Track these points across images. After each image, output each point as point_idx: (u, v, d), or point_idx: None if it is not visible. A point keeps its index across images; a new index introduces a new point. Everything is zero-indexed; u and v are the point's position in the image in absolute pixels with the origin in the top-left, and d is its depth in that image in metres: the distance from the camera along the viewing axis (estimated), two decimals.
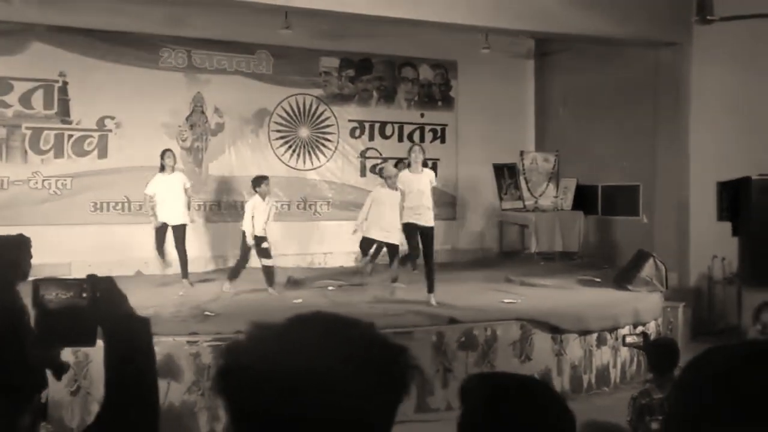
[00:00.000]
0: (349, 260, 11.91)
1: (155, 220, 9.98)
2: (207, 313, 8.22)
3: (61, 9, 10.67)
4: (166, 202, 9.96)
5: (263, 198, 9.77)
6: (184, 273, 10.15)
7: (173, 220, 10.01)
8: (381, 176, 10.32)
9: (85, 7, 10.67)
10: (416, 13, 10.06)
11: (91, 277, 1.83)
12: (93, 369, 6.61)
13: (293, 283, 10.55)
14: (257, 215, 9.63)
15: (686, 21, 10.30)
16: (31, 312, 4.09)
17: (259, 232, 9.65)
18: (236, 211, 11.56)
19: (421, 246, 9.09)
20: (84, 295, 1.78)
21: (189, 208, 10.24)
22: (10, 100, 10.93)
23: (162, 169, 10.09)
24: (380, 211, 9.45)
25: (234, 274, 9.81)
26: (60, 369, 4.51)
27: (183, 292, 9.52)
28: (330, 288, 10.30)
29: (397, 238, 9.39)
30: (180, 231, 10.06)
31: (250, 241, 9.59)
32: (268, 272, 9.77)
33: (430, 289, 9.08)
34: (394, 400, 1.18)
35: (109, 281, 1.84)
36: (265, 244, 9.71)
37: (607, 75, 12.78)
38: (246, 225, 9.66)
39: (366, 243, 9.73)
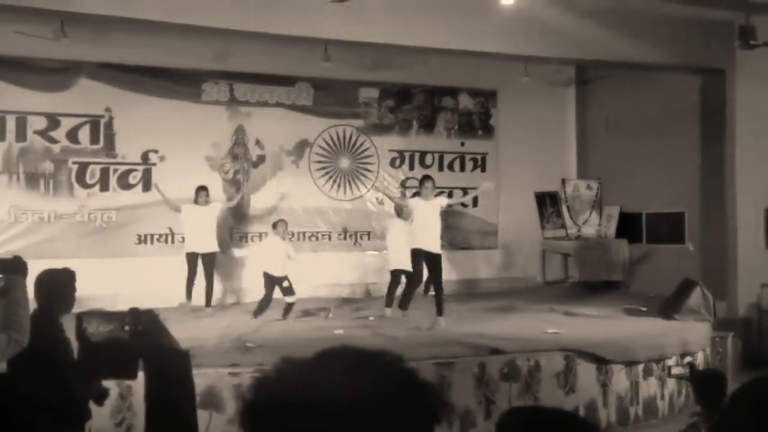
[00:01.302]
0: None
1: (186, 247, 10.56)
2: (249, 344, 8.23)
3: (106, 46, 10.93)
4: (197, 232, 10.40)
5: (282, 238, 10.05)
6: (208, 302, 10.46)
7: (204, 248, 10.41)
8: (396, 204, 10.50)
9: (129, 44, 10.91)
10: (456, 43, 10.10)
11: (133, 311, 1.85)
12: (136, 401, 6.64)
13: (334, 314, 10.53)
14: (270, 255, 9.95)
15: (728, 46, 10.19)
16: (74, 345, 4.13)
17: (276, 273, 9.90)
18: None
19: (427, 272, 9.53)
20: (126, 328, 1.80)
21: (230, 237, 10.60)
22: (58, 135, 11.20)
23: (195, 202, 10.50)
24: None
25: (259, 311, 9.98)
26: (101, 396, 4.54)
27: (226, 323, 9.56)
28: (371, 318, 10.26)
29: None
30: (210, 260, 10.45)
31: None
32: (288, 307, 10.07)
33: (440, 312, 9.31)
34: None
35: (150, 314, 1.86)
36: (285, 283, 9.96)
37: (649, 101, 12.66)
38: (264, 264, 9.99)
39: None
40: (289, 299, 10.04)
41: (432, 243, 9.21)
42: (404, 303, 9.66)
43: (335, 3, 6.88)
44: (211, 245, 10.51)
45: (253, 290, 10.74)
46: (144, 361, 1.82)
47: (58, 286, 4.24)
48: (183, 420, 1.82)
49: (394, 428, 1.09)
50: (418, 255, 9.33)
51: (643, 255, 12.99)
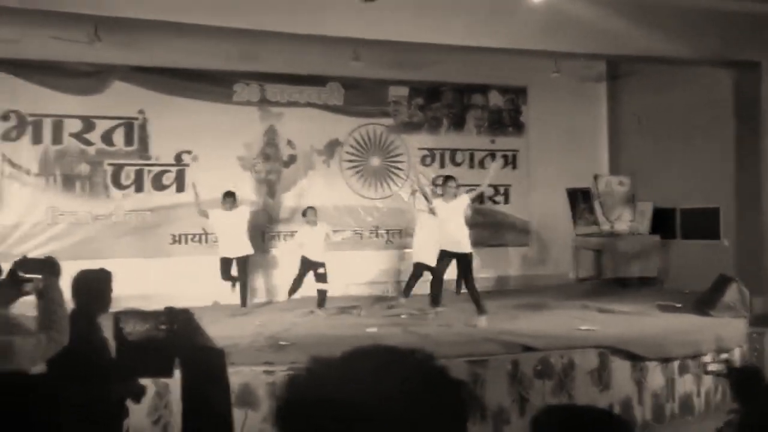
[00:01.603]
0: (423, 288, 11.90)
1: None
2: (282, 342, 8.29)
3: (139, 49, 11.08)
4: (228, 236, 10.46)
5: (312, 226, 10.39)
6: (244, 302, 10.59)
7: (237, 252, 10.52)
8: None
9: (161, 47, 11.05)
10: (485, 40, 10.06)
11: (169, 310, 1.89)
12: (173, 399, 6.72)
13: (364, 313, 10.58)
14: (308, 242, 10.35)
15: (763, 38, 10.04)
16: (111, 344, 4.19)
17: (315, 257, 10.28)
18: None
19: (459, 271, 9.64)
20: (162, 327, 1.84)
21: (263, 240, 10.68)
22: (93, 138, 11.37)
23: (223, 207, 10.56)
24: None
25: (291, 291, 10.49)
26: (139, 394, 4.60)
27: (260, 322, 9.63)
28: (403, 316, 10.27)
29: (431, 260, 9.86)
30: (243, 261, 10.57)
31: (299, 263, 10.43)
32: (321, 295, 10.38)
33: (480, 311, 9.29)
34: None
35: (186, 313, 1.90)
36: (321, 270, 10.30)
37: (682, 95, 12.51)
38: (297, 251, 10.48)
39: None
40: (322, 287, 10.33)
41: (456, 244, 9.18)
42: (433, 300, 9.65)
43: (364, 2, 6.90)
44: (243, 248, 10.58)
45: (286, 288, 10.84)
46: (180, 360, 1.85)
47: (96, 286, 4.31)
48: (219, 417, 1.86)
49: (426, 426, 1.11)
50: (443, 256, 9.36)
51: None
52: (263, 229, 12.11)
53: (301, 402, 1.14)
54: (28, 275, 3.69)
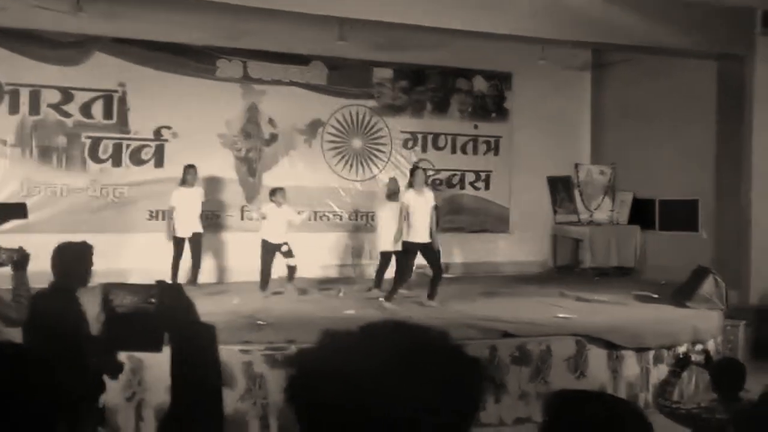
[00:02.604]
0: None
1: (172, 232, 10.37)
2: (259, 322, 8.23)
3: (121, 21, 10.87)
4: (184, 215, 10.33)
5: (278, 206, 10.18)
6: (194, 280, 10.37)
7: (191, 230, 10.35)
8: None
9: (144, 19, 10.85)
10: (472, 24, 10.00)
11: (160, 284, 1.82)
12: (147, 375, 6.66)
13: (344, 294, 10.55)
14: (270, 223, 10.10)
15: (748, 32, 10.08)
16: (90, 318, 4.12)
17: (275, 240, 10.06)
18: None
19: (426, 261, 9.56)
20: (152, 300, 1.78)
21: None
22: (71, 109, 11.18)
23: (183, 182, 10.39)
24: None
25: (264, 283, 10.15)
26: (117, 369, 4.54)
27: (237, 301, 9.57)
28: (380, 299, 10.24)
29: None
30: (197, 240, 10.43)
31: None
32: (291, 271, 10.28)
33: (431, 296, 9.50)
34: (467, 412, 1.14)
35: (176, 288, 1.84)
36: (284, 248, 10.12)
37: (666, 86, 12.55)
38: (263, 232, 10.20)
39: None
40: (290, 262, 10.22)
41: (425, 234, 9.31)
42: (390, 295, 9.57)
43: None
44: (195, 227, 10.43)
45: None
46: (170, 335, 1.79)
47: (76, 259, 4.24)
48: (209, 394, 1.81)
49: (442, 403, 1.07)
50: (410, 248, 9.40)
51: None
52: (241, 208, 11.99)
53: (316, 376, 1.09)
54: None
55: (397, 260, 9.91)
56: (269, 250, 10.11)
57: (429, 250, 9.46)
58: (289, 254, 10.18)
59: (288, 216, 10.24)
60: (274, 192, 10.33)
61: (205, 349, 1.80)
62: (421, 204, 9.33)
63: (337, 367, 1.08)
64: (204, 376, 1.77)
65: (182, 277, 10.25)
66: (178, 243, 10.39)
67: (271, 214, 10.15)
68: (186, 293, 1.83)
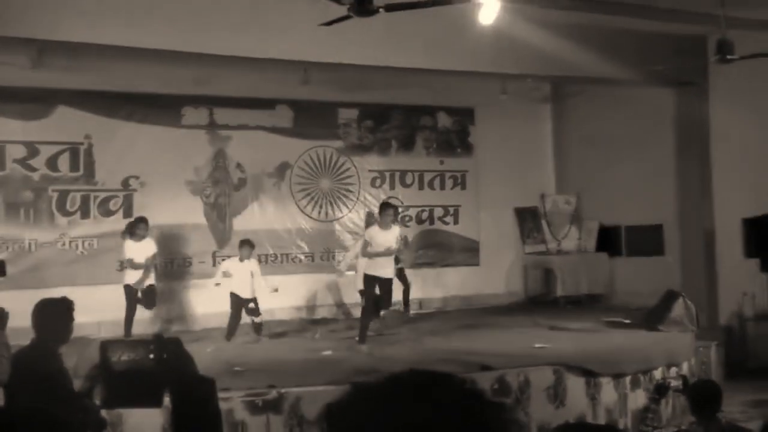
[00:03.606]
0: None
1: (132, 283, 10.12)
2: (237, 368, 8.18)
3: (84, 74, 10.85)
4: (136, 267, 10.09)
5: (241, 260, 10.06)
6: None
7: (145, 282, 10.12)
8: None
9: (107, 71, 10.84)
10: (433, 62, 10.19)
11: (158, 337, 1.85)
12: (126, 428, 6.58)
13: (320, 336, 10.53)
14: (235, 277, 9.95)
15: (701, 61, 10.37)
16: (72, 375, 4.11)
17: (244, 294, 9.95)
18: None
19: (380, 294, 9.48)
20: (151, 356, 1.81)
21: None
22: (37, 163, 11.12)
23: (131, 235, 10.15)
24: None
25: (229, 333, 10.01)
26: (100, 426, 4.50)
27: (211, 349, 9.49)
28: (356, 338, 10.23)
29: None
30: (148, 291, 10.17)
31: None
32: (257, 328, 10.15)
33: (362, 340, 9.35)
34: None
35: (175, 342, 1.87)
36: (251, 305, 10.00)
37: (626, 115, 12.81)
38: (232, 285, 10.01)
39: None
40: (257, 319, 10.12)
41: (382, 269, 9.33)
42: (361, 334, 9.44)
43: (321, 26, 6.93)
44: (147, 280, 10.19)
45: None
46: (170, 389, 1.82)
47: (57, 315, 4.22)
48: None
49: None
50: (369, 282, 9.38)
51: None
52: (213, 253, 11.95)
53: (348, 429, 1.13)
54: None
55: (361, 296, 9.85)
56: (237, 303, 10.01)
57: (387, 286, 9.43)
58: (254, 312, 10.06)
59: (252, 269, 10.10)
60: (242, 244, 10.22)
61: (205, 402, 1.83)
62: (387, 240, 9.32)
63: (366, 418, 1.12)
64: (205, 430, 1.80)
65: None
66: (129, 293, 10.11)
67: (235, 270, 10.01)
68: (184, 347, 1.86)
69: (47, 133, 11.10)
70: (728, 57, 7.67)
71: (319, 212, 12.84)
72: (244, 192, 12.34)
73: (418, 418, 1.10)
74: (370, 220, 10.99)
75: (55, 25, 8.55)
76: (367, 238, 9.43)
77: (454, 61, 10.23)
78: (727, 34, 7.90)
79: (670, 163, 12.09)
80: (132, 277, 10.11)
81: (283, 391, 7.08)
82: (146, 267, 10.09)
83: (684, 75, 11.24)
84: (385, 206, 9.76)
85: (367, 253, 9.33)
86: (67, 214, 11.25)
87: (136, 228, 10.17)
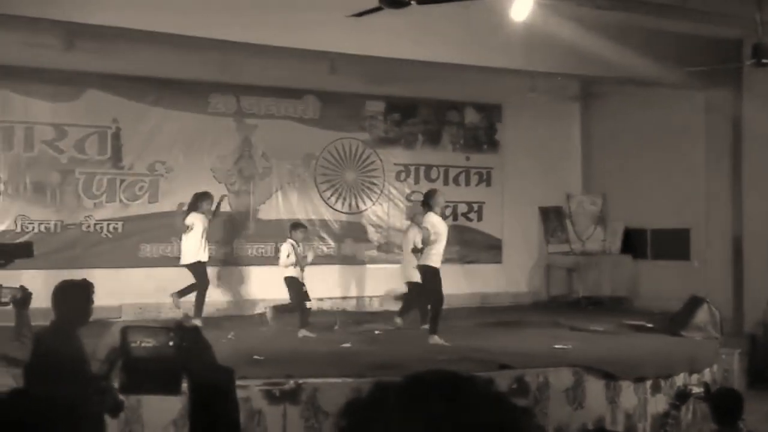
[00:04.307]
0: (396, 304, 11.93)
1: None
2: (256, 357, 8.19)
3: (114, 58, 10.90)
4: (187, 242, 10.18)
5: (298, 244, 10.07)
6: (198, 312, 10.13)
7: (188, 258, 10.19)
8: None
9: (137, 56, 10.89)
10: (462, 57, 10.11)
11: (178, 325, 1.83)
12: (145, 413, 6.60)
13: (341, 327, 10.51)
14: (292, 260, 9.94)
15: (735, 63, 10.22)
16: (90, 356, 4.11)
17: (300, 276, 9.96)
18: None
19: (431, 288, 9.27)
20: (171, 343, 1.78)
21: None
22: (65, 146, 11.18)
23: (196, 209, 10.21)
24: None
25: (304, 321, 9.84)
26: (117, 408, 4.50)
27: (231, 335, 9.51)
28: (377, 332, 10.24)
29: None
30: (195, 268, 10.21)
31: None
32: (307, 313, 10.01)
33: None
34: None
35: (195, 330, 1.84)
36: (305, 288, 9.99)
37: (656, 115, 12.66)
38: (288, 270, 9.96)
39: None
40: (308, 304, 10.03)
41: (439, 261, 9.21)
42: (433, 327, 9.20)
43: (351, 17, 6.89)
44: (196, 255, 10.24)
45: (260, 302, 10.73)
46: (189, 377, 1.80)
47: (77, 297, 4.24)
48: None
49: None
50: (433, 272, 9.16)
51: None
52: (233, 242, 11.99)
53: (363, 428, 1.10)
54: (2, 261, 3.66)
55: (425, 288, 9.53)
56: (296, 286, 9.93)
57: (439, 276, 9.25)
58: (306, 296, 10.01)
59: (307, 253, 10.15)
60: (295, 227, 10.23)
61: (223, 391, 1.81)
62: (444, 227, 9.24)
63: (387, 418, 1.09)
64: (223, 419, 1.78)
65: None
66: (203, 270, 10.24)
67: (291, 251, 9.97)
68: (203, 335, 1.84)
69: (76, 115, 11.17)
70: (764, 61, 7.55)
71: (343, 204, 12.81)
72: (268, 181, 12.35)
73: (439, 419, 1.07)
74: (411, 214, 10.89)
75: (86, 8, 8.59)
76: (428, 226, 9.11)
77: (484, 56, 10.15)
78: (764, 38, 7.76)
79: (700, 167, 11.93)
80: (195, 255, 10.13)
81: (300, 381, 7.07)
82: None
83: (717, 78, 11.08)
84: (434, 192, 9.54)
85: (431, 242, 9.08)
86: (93, 197, 11.30)
87: (203, 201, 10.22)
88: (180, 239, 10.44)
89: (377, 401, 1.13)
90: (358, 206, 12.91)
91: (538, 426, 1.10)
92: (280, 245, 10.34)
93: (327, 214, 12.65)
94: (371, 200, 12.98)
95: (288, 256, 9.94)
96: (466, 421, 1.07)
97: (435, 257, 9.14)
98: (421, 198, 12.30)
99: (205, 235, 10.24)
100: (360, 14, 6.76)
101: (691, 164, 12.04)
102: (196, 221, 10.17)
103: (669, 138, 12.43)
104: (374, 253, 12.87)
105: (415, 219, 10.45)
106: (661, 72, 10.80)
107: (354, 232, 12.80)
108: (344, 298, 12.50)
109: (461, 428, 1.07)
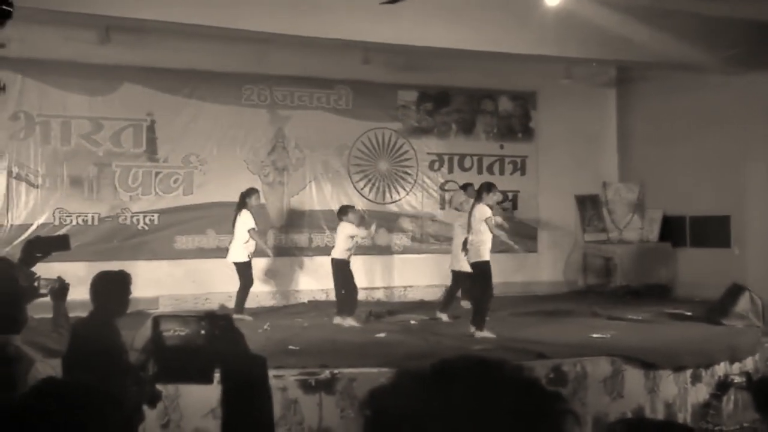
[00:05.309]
0: (429, 293, 11.91)
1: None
2: (291, 347, 8.22)
3: (149, 51, 10.99)
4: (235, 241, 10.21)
5: (358, 226, 10.18)
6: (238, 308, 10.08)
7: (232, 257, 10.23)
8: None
9: (171, 49, 10.96)
10: (495, 45, 10.03)
11: (210, 315, 1.82)
12: (183, 402, 6.66)
13: (375, 317, 10.51)
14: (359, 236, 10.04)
15: None
16: (128, 347, 4.14)
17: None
18: (320, 245, 11.82)
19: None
20: (203, 332, 1.77)
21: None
22: (101, 139, 11.30)
23: (247, 207, 10.23)
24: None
25: (351, 309, 9.88)
26: (155, 398, 4.54)
27: (267, 326, 9.55)
28: (412, 322, 10.21)
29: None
30: (239, 267, 10.20)
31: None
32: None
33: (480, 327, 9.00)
34: None
35: (227, 319, 1.83)
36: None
37: (693, 101, 12.44)
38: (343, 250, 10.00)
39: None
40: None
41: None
42: (480, 324, 8.99)
43: (384, 4, 6.85)
44: (237, 255, 10.26)
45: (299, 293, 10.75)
46: (221, 367, 1.78)
47: (115, 288, 4.27)
48: (260, 427, 1.79)
49: None
50: (489, 268, 9.08)
51: None
52: (268, 233, 12.02)
53: (393, 416, 1.07)
54: (40, 254, 3.69)
55: (475, 283, 9.47)
56: (345, 270, 9.97)
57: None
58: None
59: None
60: (344, 211, 10.21)
61: (256, 381, 1.79)
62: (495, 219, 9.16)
63: (413, 405, 1.06)
64: (256, 409, 1.76)
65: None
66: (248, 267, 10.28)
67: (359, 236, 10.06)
68: (235, 325, 1.82)
69: (112, 109, 11.27)
70: None
71: (376, 194, 12.79)
72: (302, 171, 12.36)
73: (467, 405, 1.03)
74: (457, 200, 10.83)
75: (122, 2, 8.66)
76: (491, 215, 9.07)
77: (517, 43, 10.05)
78: None
79: (739, 152, 11.70)
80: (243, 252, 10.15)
81: (336, 371, 7.07)
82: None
83: (755, 62, 10.85)
84: (491, 186, 9.40)
85: (498, 232, 9.12)
86: (129, 189, 11.41)
87: (250, 198, 10.24)
88: (216, 232, 10.49)
89: (401, 387, 1.10)
90: (391, 196, 12.87)
91: (571, 411, 1.06)
92: (335, 229, 10.34)
93: (360, 204, 12.63)
94: (405, 190, 12.94)
95: (353, 237, 9.90)
96: (495, 406, 1.04)
97: (485, 251, 9.04)
98: (455, 187, 12.37)
99: (254, 234, 10.20)
100: (392, 1, 6.70)
101: (730, 149, 11.81)
102: (248, 219, 10.17)
103: (706, 123, 12.21)
104: (408, 243, 12.83)
105: (461, 207, 10.33)
106: (698, 56, 10.60)
107: (387, 222, 12.76)
108: (377, 288, 12.46)
109: (489, 414, 1.03)
